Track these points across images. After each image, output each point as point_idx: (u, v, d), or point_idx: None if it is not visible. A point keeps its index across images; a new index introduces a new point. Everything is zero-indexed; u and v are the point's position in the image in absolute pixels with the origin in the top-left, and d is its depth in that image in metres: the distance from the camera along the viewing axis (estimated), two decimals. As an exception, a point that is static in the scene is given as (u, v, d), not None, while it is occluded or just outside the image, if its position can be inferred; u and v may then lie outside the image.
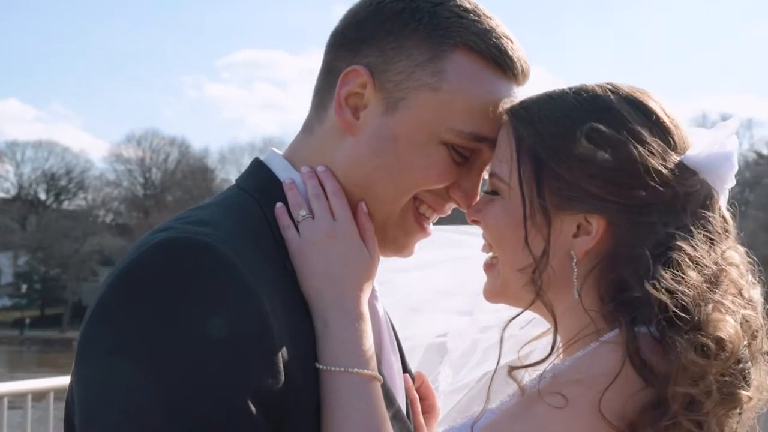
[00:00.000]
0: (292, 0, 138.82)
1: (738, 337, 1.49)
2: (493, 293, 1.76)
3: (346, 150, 1.64)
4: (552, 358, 1.61)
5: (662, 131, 1.61)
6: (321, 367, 1.52)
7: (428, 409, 1.87)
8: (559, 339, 1.67)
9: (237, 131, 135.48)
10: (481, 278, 1.89)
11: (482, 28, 1.63)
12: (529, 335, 1.81)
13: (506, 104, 1.66)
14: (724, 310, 1.50)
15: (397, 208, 1.66)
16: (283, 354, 1.43)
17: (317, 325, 1.55)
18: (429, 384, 1.91)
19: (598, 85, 1.65)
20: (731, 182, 1.66)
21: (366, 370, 1.54)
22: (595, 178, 1.57)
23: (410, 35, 1.61)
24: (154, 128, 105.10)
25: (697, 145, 1.63)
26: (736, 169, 1.66)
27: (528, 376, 1.61)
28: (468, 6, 1.64)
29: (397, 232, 1.70)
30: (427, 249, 1.84)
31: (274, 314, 1.42)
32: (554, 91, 1.67)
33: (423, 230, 1.71)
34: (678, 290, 1.49)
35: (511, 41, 1.65)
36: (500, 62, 1.63)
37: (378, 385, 1.55)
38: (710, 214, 1.61)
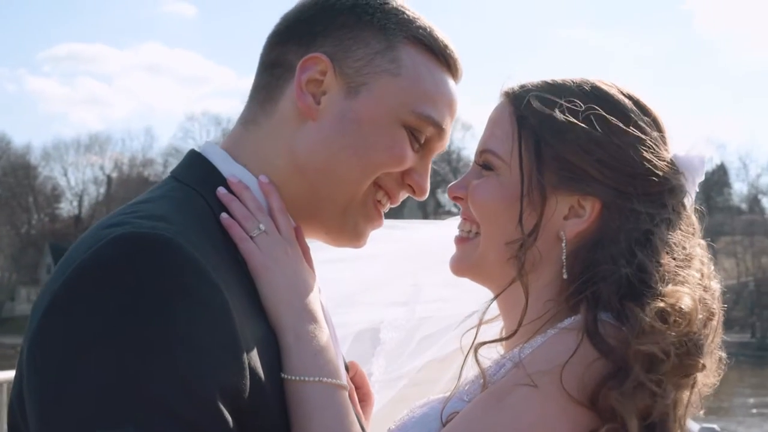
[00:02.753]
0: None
1: (696, 309, 1.55)
2: (465, 267, 1.78)
3: (308, 135, 1.67)
4: (518, 335, 1.65)
5: (658, 128, 1.70)
6: (291, 377, 1.52)
7: (363, 398, 1.88)
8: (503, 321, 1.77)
9: (60, 127, 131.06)
10: (415, 269, 1.96)
11: (426, 24, 1.73)
12: (472, 327, 1.81)
13: (505, 86, 1.76)
14: (683, 284, 1.57)
15: (360, 190, 1.69)
16: (247, 352, 1.42)
17: (287, 337, 1.54)
18: (363, 373, 1.93)
19: (598, 80, 1.73)
20: (697, 188, 1.75)
21: (338, 380, 1.55)
22: (598, 162, 1.64)
23: (365, 27, 1.68)
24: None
25: (681, 146, 1.71)
26: (703, 176, 1.75)
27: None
28: (407, 7, 1.74)
29: (358, 218, 1.73)
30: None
31: (235, 310, 1.42)
32: (554, 79, 1.74)
33: (380, 218, 1.76)
34: (649, 269, 1.56)
35: (449, 40, 1.76)
36: (445, 57, 1.73)
37: (347, 393, 1.57)
38: (685, 211, 1.69)
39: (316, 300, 1.63)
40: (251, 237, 1.60)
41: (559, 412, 1.48)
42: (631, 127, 1.67)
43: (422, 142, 1.71)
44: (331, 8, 1.70)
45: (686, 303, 1.54)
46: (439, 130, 1.72)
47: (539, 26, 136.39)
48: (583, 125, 1.65)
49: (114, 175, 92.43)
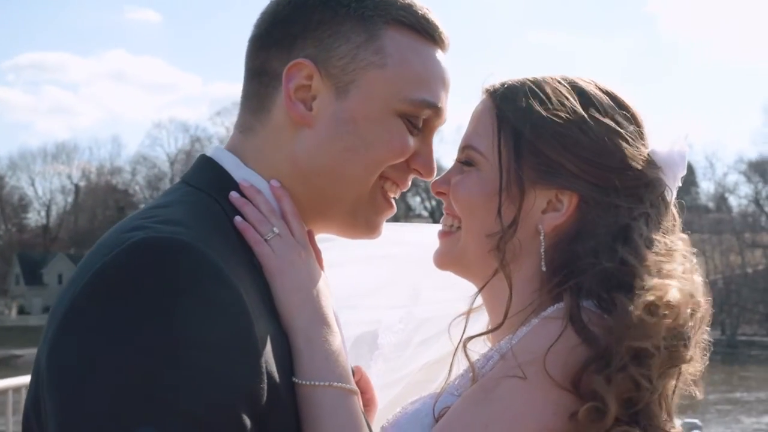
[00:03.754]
0: (79, 1, 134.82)
1: (684, 302, 1.57)
2: (447, 260, 1.82)
3: (306, 142, 1.66)
4: (504, 327, 1.67)
5: (635, 123, 1.73)
6: (303, 382, 1.52)
7: (367, 402, 1.88)
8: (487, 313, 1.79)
9: (26, 136, 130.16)
10: (414, 272, 1.96)
11: (405, 3, 1.69)
12: (459, 315, 1.83)
13: (486, 84, 1.78)
14: (669, 278, 1.60)
15: (367, 188, 1.69)
16: (264, 357, 1.43)
17: (298, 341, 1.55)
18: (368, 377, 1.92)
19: (577, 77, 1.76)
20: (680, 182, 1.77)
21: (348, 385, 1.56)
22: (574, 156, 1.67)
23: (342, 21, 1.65)
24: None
25: (661, 142, 1.74)
26: (685, 171, 1.77)
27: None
28: None
29: (369, 213, 1.73)
30: (341, 246, 1.83)
31: (253, 314, 1.43)
32: (534, 77, 1.76)
33: (391, 206, 1.76)
34: (632, 263, 1.59)
35: (430, 12, 1.73)
36: (429, 31, 1.70)
37: (357, 398, 1.58)
38: (664, 206, 1.72)
39: (328, 303, 1.63)
40: (265, 240, 1.60)
41: (544, 398, 1.50)
42: (608, 122, 1.69)
43: (420, 126, 1.70)
44: (305, 6, 1.66)
45: (674, 295, 1.56)
46: (436, 109, 1.70)
47: (508, 30, 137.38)
48: (560, 120, 1.68)
49: (82, 184, 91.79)
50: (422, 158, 1.72)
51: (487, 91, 1.79)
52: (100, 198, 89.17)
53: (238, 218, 1.60)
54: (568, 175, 1.67)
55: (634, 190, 1.68)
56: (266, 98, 1.68)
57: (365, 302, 2.21)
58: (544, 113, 1.68)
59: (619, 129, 1.69)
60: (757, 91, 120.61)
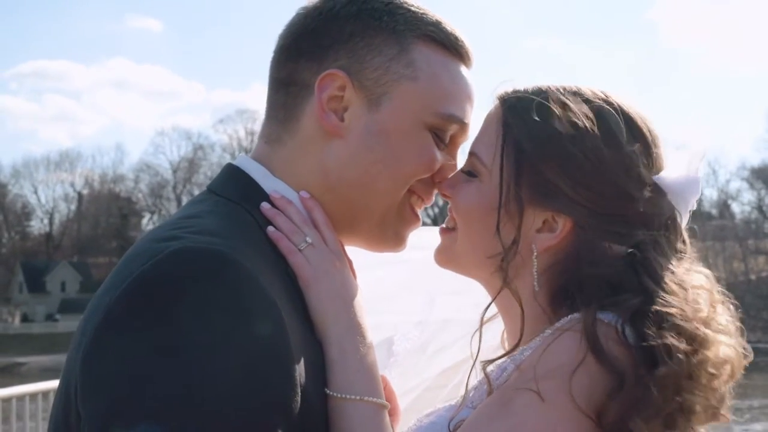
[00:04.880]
0: (81, 10, 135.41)
1: (737, 361, 1.55)
2: (445, 258, 1.81)
3: (337, 152, 1.66)
4: (519, 347, 1.63)
5: (644, 149, 1.67)
6: (335, 394, 1.52)
7: (391, 412, 1.85)
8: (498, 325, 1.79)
9: (29, 144, 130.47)
10: (429, 277, 1.96)
11: (434, 19, 1.71)
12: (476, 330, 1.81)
13: (499, 90, 1.75)
14: (707, 325, 1.53)
15: (396, 201, 1.70)
16: (299, 368, 1.43)
17: (332, 351, 1.55)
18: (392, 387, 1.90)
19: (592, 91, 1.70)
20: (693, 206, 1.72)
21: (379, 399, 1.55)
22: (572, 181, 1.62)
23: (375, 34, 1.66)
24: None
25: (672, 167, 1.68)
26: (699, 194, 1.72)
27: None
28: (412, 2, 1.72)
29: (398, 225, 1.74)
30: (355, 252, 1.81)
31: (288, 325, 1.43)
32: (547, 86, 1.71)
33: (418, 219, 1.78)
34: (658, 296, 1.52)
35: (457, 29, 1.75)
36: (457, 48, 1.72)
37: (387, 413, 1.58)
38: (670, 233, 1.66)
39: (363, 314, 1.63)
40: (299, 250, 1.60)
41: (561, 417, 1.46)
42: (612, 147, 1.63)
43: (447, 141, 1.72)
44: (336, 18, 1.67)
45: (726, 353, 1.53)
46: (462, 125, 1.72)
47: (508, 36, 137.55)
48: (563, 141, 1.63)
49: (85, 191, 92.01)
50: (446, 173, 1.74)
51: (499, 98, 1.76)
52: (103, 206, 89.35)
53: (271, 228, 1.61)
54: (564, 199, 1.62)
55: (635, 217, 1.62)
56: (295, 108, 1.68)
57: (381, 307, 2.19)
58: (547, 132, 1.64)
59: (624, 155, 1.63)
60: (760, 98, 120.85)
